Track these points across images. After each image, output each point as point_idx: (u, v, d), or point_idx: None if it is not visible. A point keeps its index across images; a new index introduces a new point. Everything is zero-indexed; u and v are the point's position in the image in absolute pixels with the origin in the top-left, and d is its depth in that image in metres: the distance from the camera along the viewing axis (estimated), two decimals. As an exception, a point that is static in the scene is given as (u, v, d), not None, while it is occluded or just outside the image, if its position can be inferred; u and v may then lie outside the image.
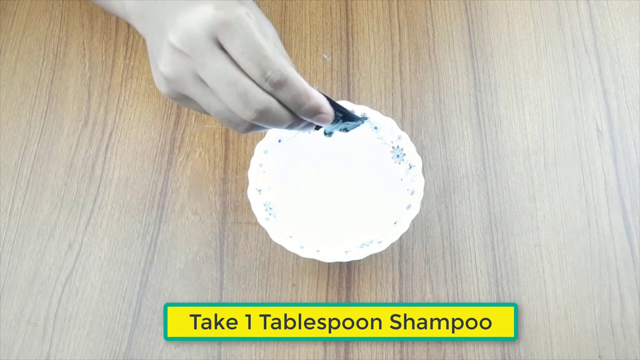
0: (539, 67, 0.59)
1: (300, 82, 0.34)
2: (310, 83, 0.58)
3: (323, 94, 0.36)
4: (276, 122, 0.35)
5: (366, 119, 0.46)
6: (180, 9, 0.34)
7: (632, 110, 0.58)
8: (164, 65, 0.35)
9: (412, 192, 0.50)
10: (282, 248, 0.47)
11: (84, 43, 0.60)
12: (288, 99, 0.34)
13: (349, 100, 0.54)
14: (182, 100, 0.37)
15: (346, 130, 0.44)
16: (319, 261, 0.47)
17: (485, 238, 0.53)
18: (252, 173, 0.50)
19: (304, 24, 0.61)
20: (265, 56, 0.33)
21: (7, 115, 0.57)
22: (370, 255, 0.47)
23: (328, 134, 0.45)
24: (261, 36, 0.33)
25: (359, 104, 0.52)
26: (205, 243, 0.52)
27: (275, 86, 0.33)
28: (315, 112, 0.35)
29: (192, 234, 0.52)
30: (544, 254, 0.52)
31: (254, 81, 0.34)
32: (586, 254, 0.52)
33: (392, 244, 0.47)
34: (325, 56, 0.59)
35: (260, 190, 0.50)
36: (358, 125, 0.44)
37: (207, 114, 0.36)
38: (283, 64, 0.33)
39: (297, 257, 0.48)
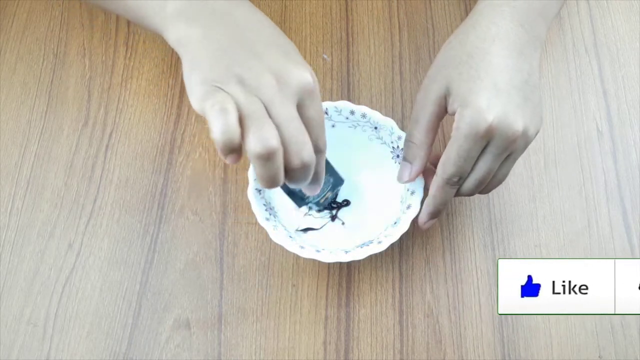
0: (539, 67, 0.59)
1: None
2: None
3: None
4: (300, 179, 0.39)
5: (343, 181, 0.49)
6: (281, 57, 0.38)
7: (632, 111, 0.58)
8: (248, 68, 0.37)
9: (412, 192, 0.50)
10: (282, 248, 0.47)
11: (84, 43, 0.60)
12: (316, 165, 0.39)
13: (349, 100, 0.54)
14: (214, 89, 0.37)
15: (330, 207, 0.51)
16: (319, 261, 0.47)
17: (485, 238, 0.53)
18: (252, 173, 0.50)
19: (304, 24, 0.61)
20: (322, 126, 0.39)
21: (7, 115, 0.57)
22: (370, 255, 0.47)
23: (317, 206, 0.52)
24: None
25: (359, 104, 0.52)
26: (205, 243, 0.52)
27: (317, 152, 0.39)
28: (320, 181, 0.42)
29: (192, 234, 0.52)
30: (544, 254, 0.52)
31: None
32: (586, 254, 0.52)
33: (392, 244, 0.47)
34: (325, 56, 0.59)
35: (260, 190, 0.50)
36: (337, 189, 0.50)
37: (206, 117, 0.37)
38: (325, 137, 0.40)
39: (297, 257, 0.48)
